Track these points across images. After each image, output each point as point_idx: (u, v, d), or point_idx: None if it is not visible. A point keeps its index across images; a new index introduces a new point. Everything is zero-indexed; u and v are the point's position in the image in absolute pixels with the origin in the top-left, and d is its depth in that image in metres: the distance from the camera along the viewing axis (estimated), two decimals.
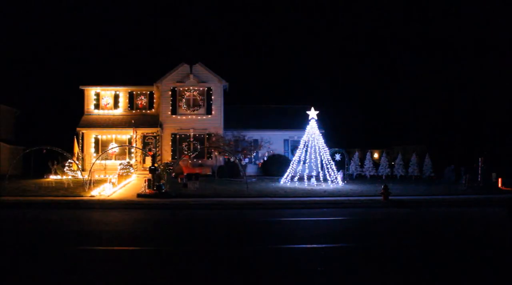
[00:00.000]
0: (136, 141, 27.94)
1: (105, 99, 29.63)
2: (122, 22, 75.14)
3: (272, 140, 29.03)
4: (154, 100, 29.71)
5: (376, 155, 44.98)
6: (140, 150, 27.54)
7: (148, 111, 29.69)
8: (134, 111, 29.57)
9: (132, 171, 26.01)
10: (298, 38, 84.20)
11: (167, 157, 28.01)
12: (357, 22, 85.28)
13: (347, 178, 25.73)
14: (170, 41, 71.57)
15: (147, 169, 27.06)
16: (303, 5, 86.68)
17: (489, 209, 16.07)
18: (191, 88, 28.52)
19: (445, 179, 26.55)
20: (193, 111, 28.51)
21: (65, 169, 24.58)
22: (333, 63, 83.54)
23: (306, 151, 23.03)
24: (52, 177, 23.92)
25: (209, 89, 28.58)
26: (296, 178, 23.23)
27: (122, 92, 29.65)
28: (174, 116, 28.42)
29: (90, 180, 19.79)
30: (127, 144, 28.07)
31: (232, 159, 26.87)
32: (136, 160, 28.15)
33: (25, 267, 7.60)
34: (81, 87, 29.41)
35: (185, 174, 23.39)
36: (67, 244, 9.44)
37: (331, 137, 31.45)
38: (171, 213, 14.53)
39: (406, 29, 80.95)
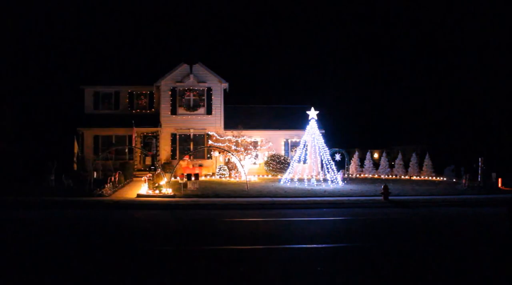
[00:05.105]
0: (136, 141, 27.93)
1: (105, 99, 29.63)
2: (122, 22, 75.11)
3: (272, 140, 29.06)
4: (154, 100, 29.70)
5: (376, 155, 44.95)
6: (140, 150, 27.54)
7: (148, 111, 29.68)
8: (134, 111, 29.56)
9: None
10: (298, 38, 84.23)
11: (167, 157, 28.02)
12: (357, 21, 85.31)
13: (347, 178, 25.73)
14: (170, 41, 71.59)
15: (147, 169, 27.11)
16: (303, 5, 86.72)
17: (489, 209, 16.05)
18: (191, 88, 28.52)
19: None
20: (193, 111, 28.52)
21: (65, 169, 24.52)
22: (333, 63, 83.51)
23: (306, 151, 23.03)
24: (52, 177, 23.85)
25: (209, 89, 28.59)
26: (296, 178, 23.22)
27: (122, 92, 29.64)
28: (174, 116, 28.42)
29: (90, 180, 19.78)
30: (127, 144, 28.06)
31: (232, 159, 26.89)
32: (136, 160, 28.15)
33: (25, 267, 7.59)
34: (81, 87, 29.43)
35: (185, 174, 23.39)
36: (67, 244, 9.43)
37: (331, 137, 31.46)
38: (171, 213, 14.52)
39: (405, 28, 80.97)
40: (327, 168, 22.74)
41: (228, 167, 27.19)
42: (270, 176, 27.87)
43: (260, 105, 33.62)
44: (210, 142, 27.74)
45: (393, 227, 12.23)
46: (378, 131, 58.70)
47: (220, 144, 26.90)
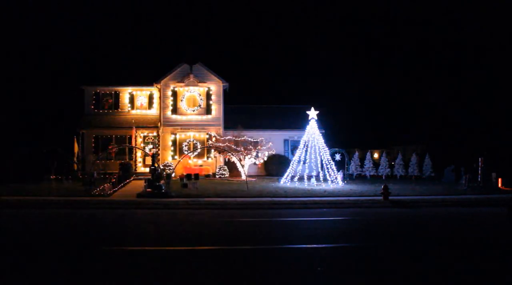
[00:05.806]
0: (136, 141, 27.94)
1: (105, 99, 29.65)
2: (122, 22, 75.15)
3: (272, 140, 28.99)
4: (154, 100, 29.72)
5: (376, 155, 44.94)
6: (140, 150, 27.55)
7: (148, 111, 29.70)
8: (134, 111, 29.58)
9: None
10: (298, 38, 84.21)
11: (167, 157, 28.02)
12: (357, 21, 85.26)
13: (347, 178, 25.73)
14: (170, 41, 71.60)
15: (147, 169, 27.09)
16: (303, 5, 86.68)
17: (489, 209, 16.06)
18: (191, 88, 28.49)
19: (445, 179, 26.54)
20: (193, 111, 28.50)
21: (65, 169, 24.57)
22: (333, 63, 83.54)
23: (306, 151, 23.03)
24: (52, 177, 23.90)
25: (209, 89, 28.57)
26: (296, 178, 23.23)
27: (122, 92, 29.67)
28: (174, 116, 28.40)
29: (90, 180, 19.78)
30: (127, 144, 28.08)
31: (232, 159, 26.89)
32: (136, 160, 28.16)
33: (26, 267, 7.59)
34: (81, 87, 29.44)
35: (185, 174, 23.39)
36: (67, 244, 9.44)
37: (331, 137, 31.43)
38: (171, 213, 14.53)
39: (406, 28, 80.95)
40: (327, 168, 22.74)
41: (228, 167, 27.18)
42: (270, 176, 27.86)
43: (260, 105, 33.62)
44: (210, 142, 27.73)
45: (393, 227, 12.24)
46: (378, 131, 58.73)
47: (220, 144, 26.89)
